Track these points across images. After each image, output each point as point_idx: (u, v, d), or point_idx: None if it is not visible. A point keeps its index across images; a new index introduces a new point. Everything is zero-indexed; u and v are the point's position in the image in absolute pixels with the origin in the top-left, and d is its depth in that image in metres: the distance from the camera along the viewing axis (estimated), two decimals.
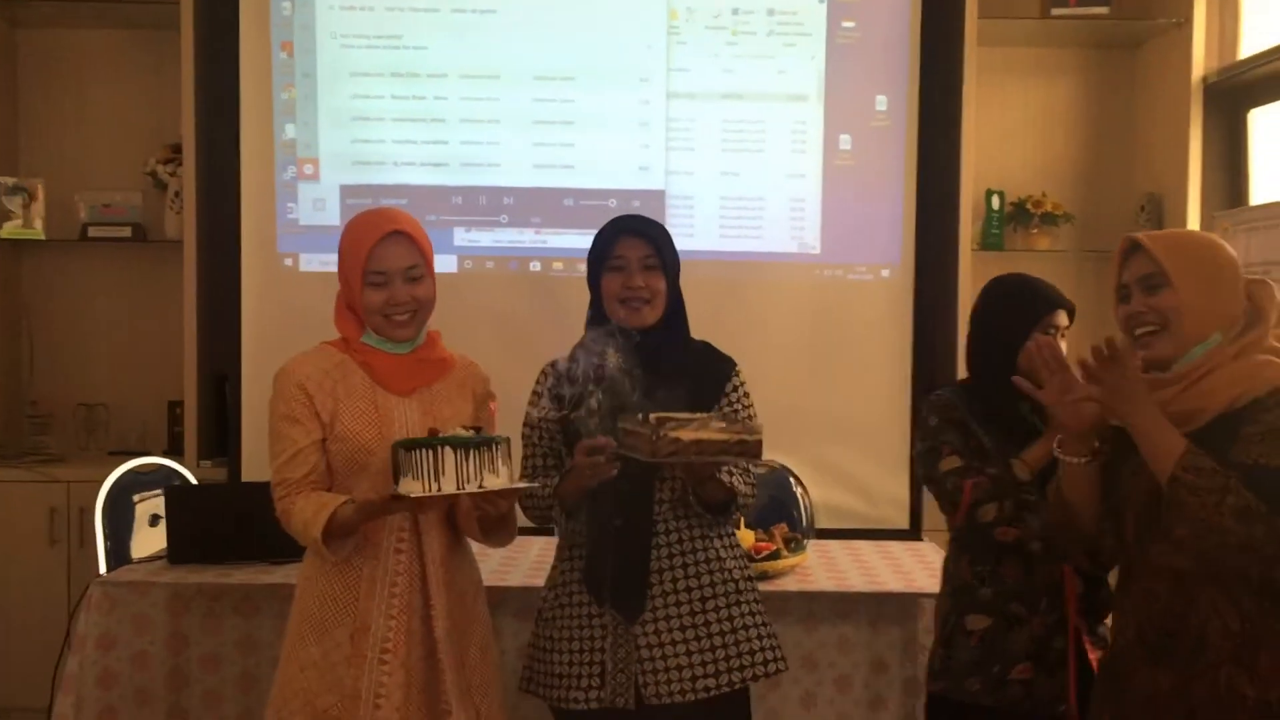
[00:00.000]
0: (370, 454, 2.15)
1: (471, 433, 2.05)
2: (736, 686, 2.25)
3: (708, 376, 2.32)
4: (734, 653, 2.24)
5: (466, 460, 1.99)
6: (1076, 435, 1.98)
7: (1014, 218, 4.25)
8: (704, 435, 2.04)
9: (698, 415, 2.10)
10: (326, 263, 3.87)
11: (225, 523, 2.94)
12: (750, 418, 2.33)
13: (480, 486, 2.00)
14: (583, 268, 3.94)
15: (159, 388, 4.11)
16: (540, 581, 2.44)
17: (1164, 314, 1.92)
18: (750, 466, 2.28)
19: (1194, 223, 3.85)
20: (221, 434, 3.95)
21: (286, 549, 2.88)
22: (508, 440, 2.06)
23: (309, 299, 3.86)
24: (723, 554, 2.29)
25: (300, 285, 3.87)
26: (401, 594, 2.16)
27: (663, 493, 2.25)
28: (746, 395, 2.36)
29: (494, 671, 2.28)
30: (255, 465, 3.81)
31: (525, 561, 2.98)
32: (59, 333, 4.19)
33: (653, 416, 2.06)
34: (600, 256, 2.31)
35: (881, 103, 3.91)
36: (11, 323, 4.25)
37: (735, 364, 2.38)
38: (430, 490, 1.97)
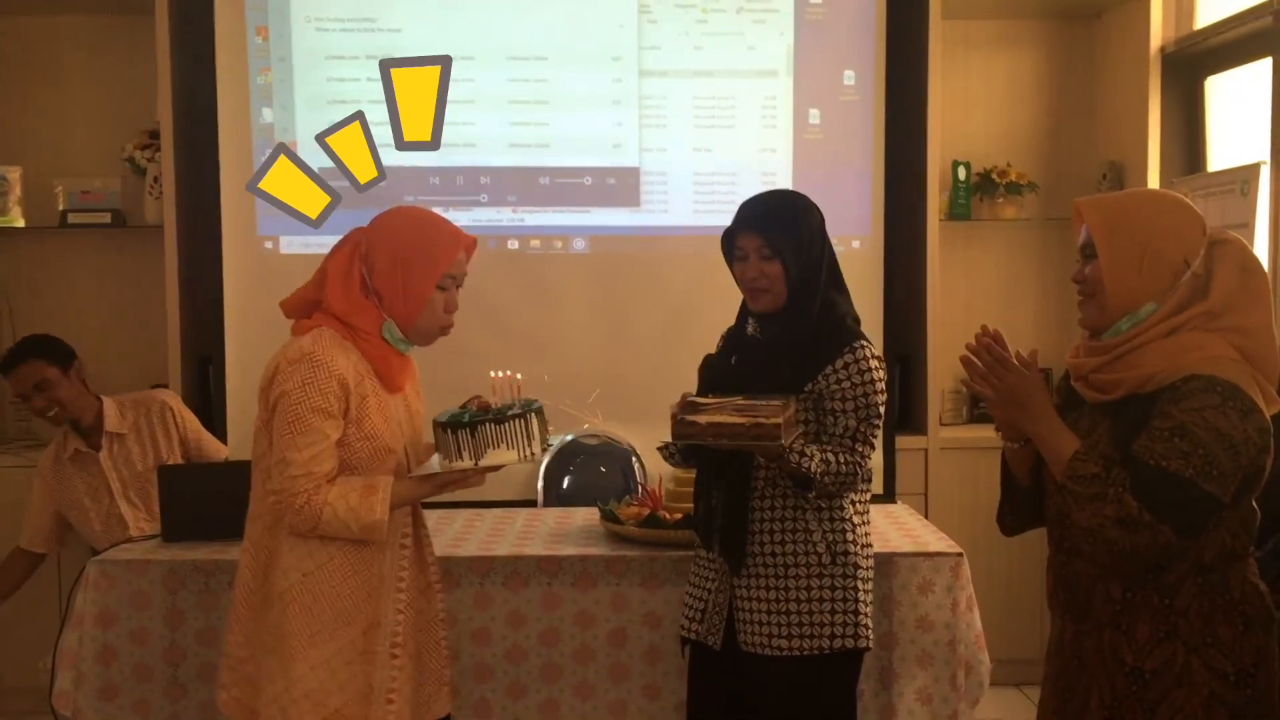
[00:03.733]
0: (390, 452, 2.18)
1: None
2: (806, 653, 2.33)
3: (812, 358, 2.34)
4: (807, 621, 2.34)
5: (544, 425, 2.13)
6: (1006, 424, 2.01)
7: (980, 188, 4.34)
8: (721, 419, 2.13)
9: (729, 399, 2.19)
10: (308, 244, 3.93)
11: (218, 501, 2.99)
12: (857, 398, 2.31)
13: (548, 446, 2.16)
14: (559, 244, 4.02)
15: (143, 372, 4.14)
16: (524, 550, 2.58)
17: (1092, 283, 1.91)
18: (847, 456, 2.31)
19: (1153, 188, 3.96)
20: (207, 415, 4.00)
21: None
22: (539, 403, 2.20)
23: (290, 281, 3.84)
24: (812, 526, 2.36)
25: (281, 267, 3.93)
26: (407, 588, 2.23)
27: (759, 459, 2.34)
28: (861, 374, 2.32)
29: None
30: (241, 446, 3.86)
31: (541, 533, 3.04)
32: (41, 320, 4.22)
33: (687, 400, 2.19)
34: (727, 247, 2.41)
35: (849, 77, 3.99)
36: None
37: (844, 344, 2.34)
38: (525, 456, 2.10)
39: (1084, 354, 1.96)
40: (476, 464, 2.11)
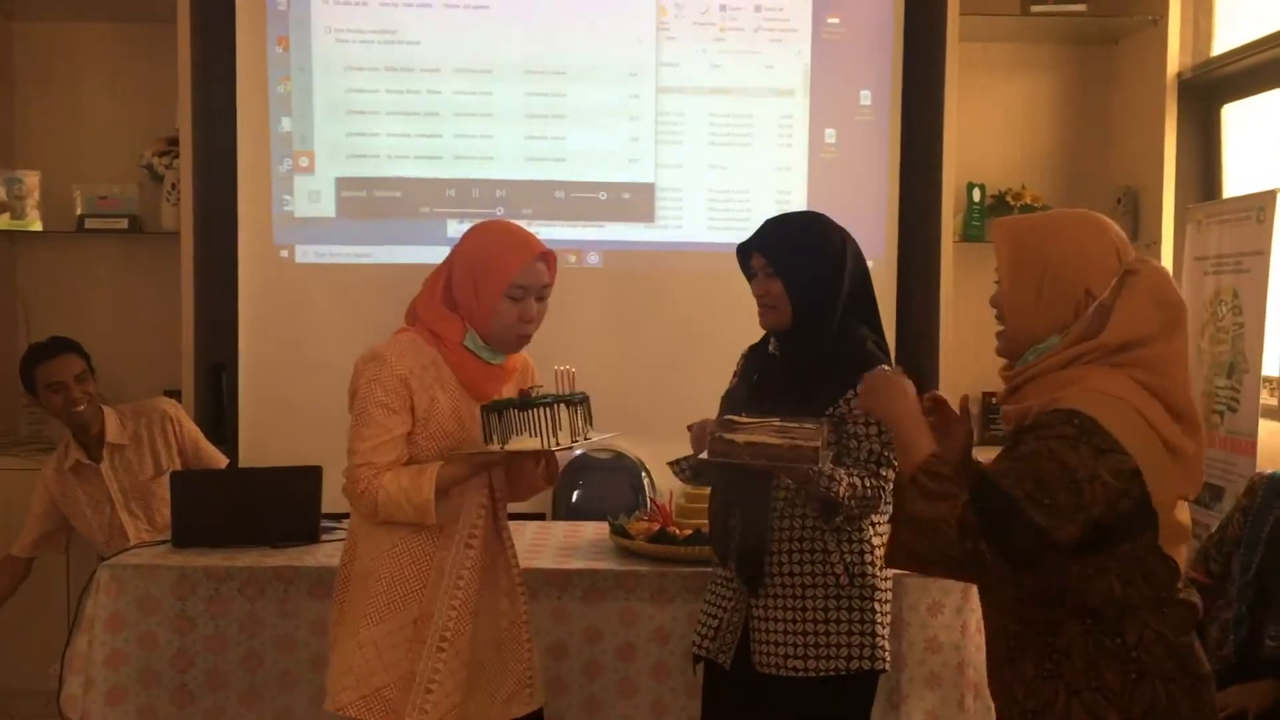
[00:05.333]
0: (457, 451, 2.25)
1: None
2: (821, 674, 2.32)
3: (835, 380, 2.33)
4: (824, 642, 2.33)
5: (576, 416, 2.14)
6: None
7: (994, 209, 4.34)
8: (758, 439, 2.14)
9: (765, 420, 2.18)
10: (322, 254, 3.96)
11: (228, 507, 3.01)
12: (880, 421, 2.25)
13: (586, 438, 2.17)
14: (573, 259, 4.04)
15: (157, 377, 4.14)
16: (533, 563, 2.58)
17: (1000, 309, 1.83)
18: (872, 480, 2.29)
19: (1169, 214, 3.97)
20: (219, 422, 4.02)
21: (289, 533, 3.00)
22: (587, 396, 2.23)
23: (305, 290, 3.95)
24: (831, 548, 2.34)
25: (296, 276, 3.95)
26: (466, 586, 2.27)
27: (779, 480, 2.34)
28: None
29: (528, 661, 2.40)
30: (253, 453, 3.89)
31: (520, 545, 3.05)
32: (56, 324, 4.22)
33: (728, 418, 2.19)
34: (743, 265, 2.45)
35: (865, 97, 4.00)
36: (9, 314, 4.31)
37: (867, 369, 2.26)
38: (548, 444, 2.11)
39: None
40: (503, 448, 2.14)
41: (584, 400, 2.19)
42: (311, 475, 3.05)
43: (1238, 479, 3.24)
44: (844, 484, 2.24)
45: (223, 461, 3.65)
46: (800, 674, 2.32)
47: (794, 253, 2.36)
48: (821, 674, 2.32)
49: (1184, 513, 1.79)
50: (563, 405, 2.14)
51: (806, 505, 2.33)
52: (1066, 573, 1.73)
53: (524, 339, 2.31)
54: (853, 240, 2.43)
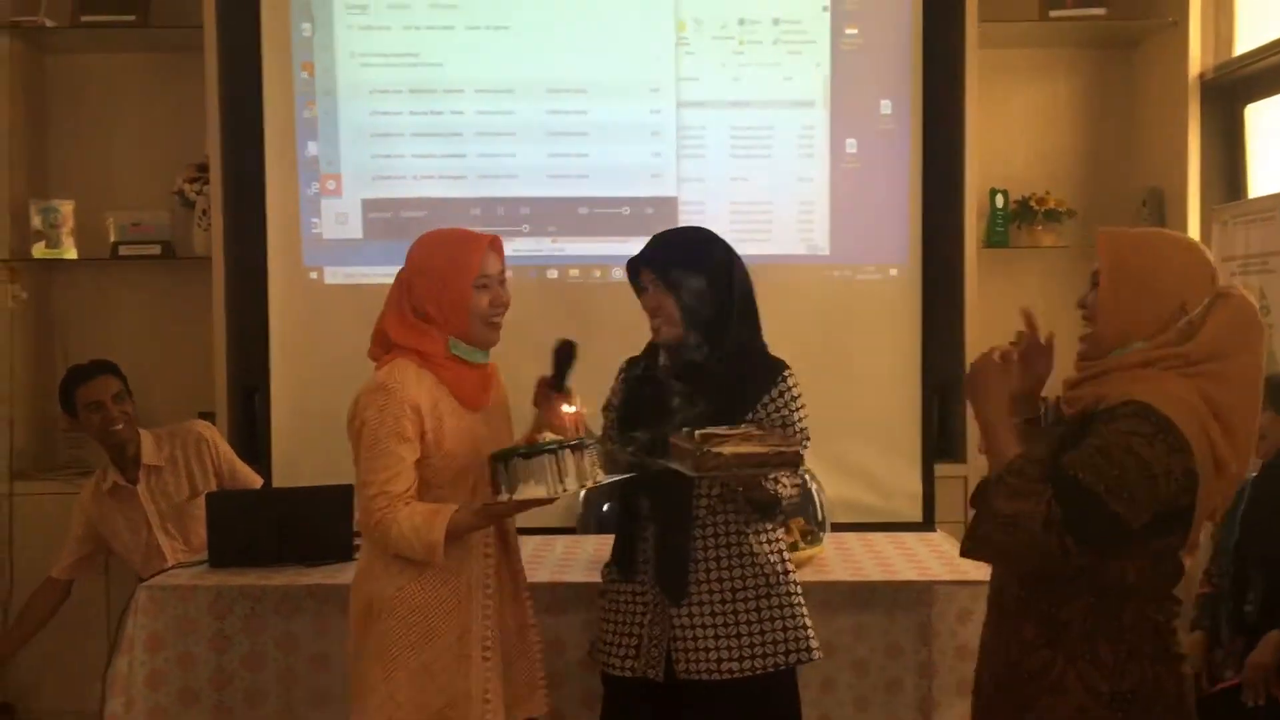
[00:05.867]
0: (469, 471, 2.29)
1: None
2: (758, 672, 2.38)
3: (742, 387, 2.41)
4: (759, 641, 2.39)
5: (583, 460, 2.14)
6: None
7: (1018, 215, 4.34)
8: (745, 449, 2.17)
9: (739, 430, 2.23)
10: (351, 275, 4.00)
11: (264, 527, 3.05)
12: (793, 424, 2.41)
13: (595, 483, 2.17)
14: (599, 274, 4.06)
15: (190, 400, 4.20)
16: (565, 578, 2.63)
17: (1092, 309, 1.96)
18: (797, 479, 2.39)
19: (1194, 216, 3.95)
20: (252, 443, 4.07)
21: (323, 552, 3.04)
22: (595, 438, 2.24)
23: (334, 311, 3.99)
24: (756, 549, 2.42)
25: (325, 298, 4.00)
26: (494, 595, 2.32)
27: (701, 488, 2.38)
28: (793, 400, 2.43)
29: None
30: (286, 473, 3.93)
31: (550, 560, 3.09)
32: (92, 350, 4.29)
33: (698, 433, 2.20)
34: (632, 279, 2.49)
35: (886, 106, 4.01)
36: (45, 341, 4.38)
37: (778, 373, 2.44)
38: (555, 491, 2.12)
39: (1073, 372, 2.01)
40: (511, 498, 2.16)
41: (591, 444, 2.18)
42: (343, 494, 3.08)
43: None
44: (786, 484, 2.34)
45: (257, 482, 3.70)
46: (737, 675, 2.36)
47: (684, 267, 2.40)
48: (759, 672, 2.37)
49: (1204, 530, 1.91)
50: (568, 451, 2.13)
51: (736, 509, 2.38)
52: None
53: (497, 327, 2.35)
54: (738, 256, 2.48)
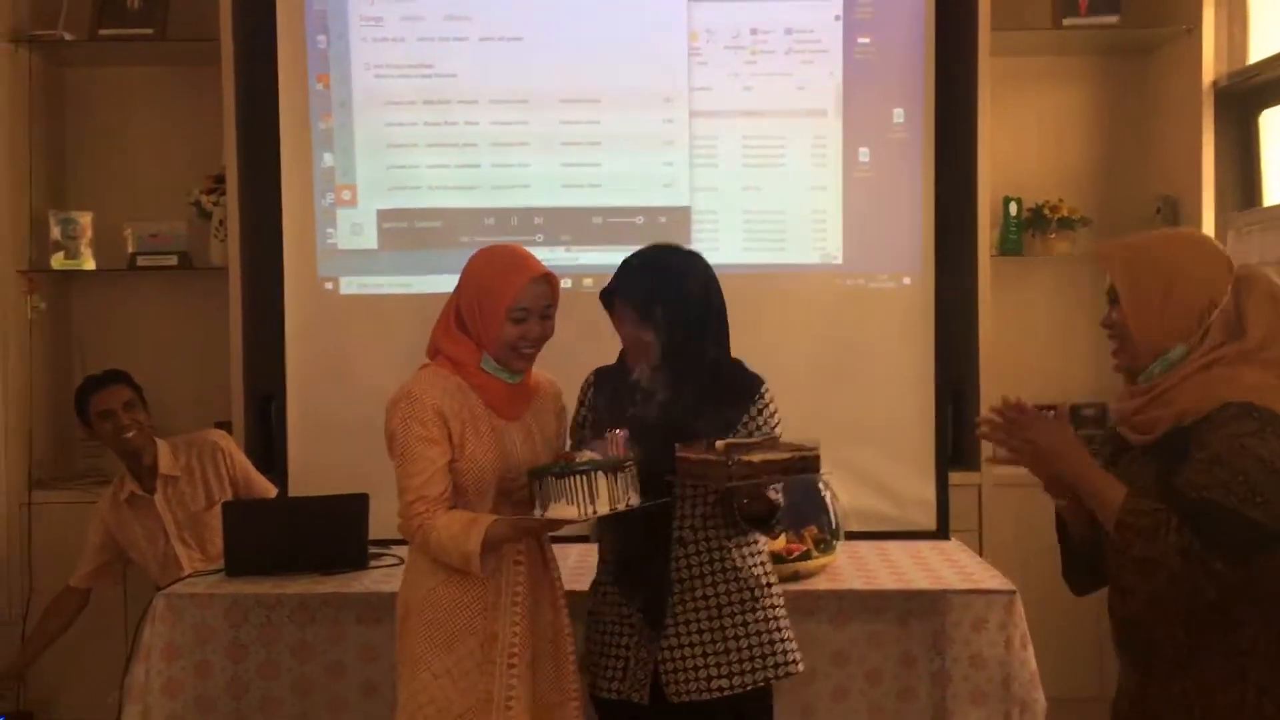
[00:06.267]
0: (492, 476, 2.31)
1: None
2: (749, 688, 2.38)
3: (722, 404, 2.40)
4: (747, 655, 2.39)
5: (615, 483, 2.14)
6: (1049, 479, 2.02)
7: (1031, 223, 4.34)
8: (771, 456, 2.22)
9: (755, 439, 2.27)
10: (365, 285, 4.03)
11: (280, 536, 3.07)
12: (775, 437, 2.41)
13: (629, 505, 2.16)
14: None
15: (207, 409, 4.23)
16: (578, 585, 2.60)
17: (1119, 327, 1.94)
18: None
19: (1209, 223, 3.94)
20: (268, 452, 4.09)
21: (338, 560, 3.06)
22: (633, 459, 2.20)
23: (349, 321, 4.02)
24: (739, 563, 2.42)
25: (341, 308, 4.02)
26: (522, 603, 2.34)
27: (684, 509, 2.39)
28: (773, 415, 2.45)
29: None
30: (302, 482, 3.95)
31: (564, 569, 3.08)
32: (110, 360, 4.31)
33: (720, 443, 2.21)
34: (605, 302, 2.46)
35: (899, 115, 4.01)
36: (63, 351, 4.42)
37: (759, 388, 2.45)
38: (585, 513, 2.12)
39: (1125, 398, 1.97)
40: (542, 514, 2.17)
41: (626, 466, 2.17)
42: (359, 502, 3.10)
43: None
44: (780, 495, 2.36)
45: (273, 491, 3.72)
46: (727, 693, 2.35)
47: (663, 300, 2.36)
48: (748, 688, 2.37)
49: None
50: (600, 474, 2.13)
51: (719, 524, 2.37)
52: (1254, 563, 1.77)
53: (527, 358, 2.36)
54: (711, 270, 2.45)
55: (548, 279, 2.37)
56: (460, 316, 2.36)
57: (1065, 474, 1.93)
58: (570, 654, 2.45)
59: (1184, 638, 1.86)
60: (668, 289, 2.38)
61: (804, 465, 2.25)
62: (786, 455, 2.23)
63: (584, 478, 2.12)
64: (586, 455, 2.20)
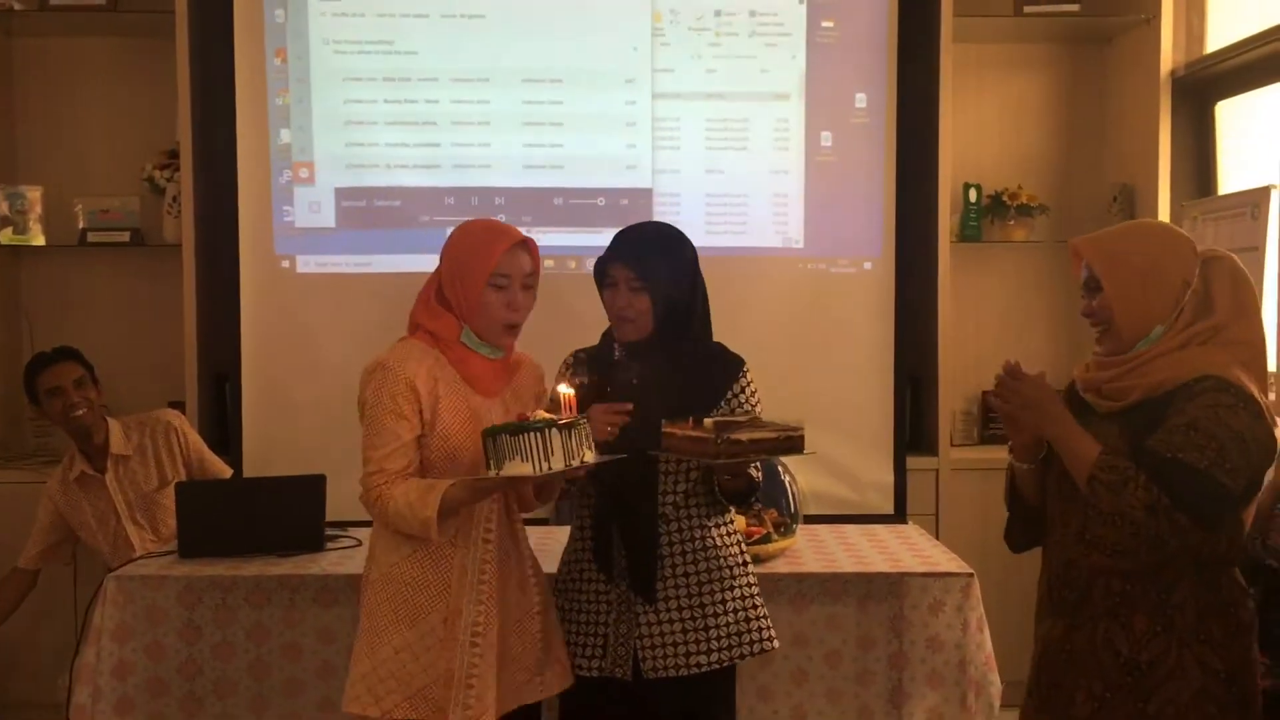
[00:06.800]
0: (464, 451, 2.29)
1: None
2: (726, 664, 2.42)
3: (706, 382, 2.44)
4: (726, 633, 2.41)
5: (570, 439, 2.14)
6: (1022, 445, 2.14)
7: (991, 210, 4.36)
8: (758, 435, 2.24)
9: (742, 417, 2.30)
10: (323, 264, 3.98)
11: (234, 517, 3.03)
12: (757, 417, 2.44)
13: (582, 462, 2.16)
14: (573, 265, 4.05)
15: (160, 389, 4.17)
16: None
17: (1104, 314, 2.04)
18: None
19: (1164, 212, 3.98)
20: (223, 432, 4.04)
21: (294, 542, 3.02)
22: (587, 419, 2.22)
23: (306, 300, 3.97)
24: (718, 542, 2.45)
25: (298, 286, 3.97)
26: (489, 580, 2.32)
27: (666, 485, 2.41)
28: (753, 394, 2.48)
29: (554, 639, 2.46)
30: (256, 463, 3.91)
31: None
32: (60, 337, 4.24)
33: (707, 421, 2.24)
34: (599, 273, 2.46)
35: (861, 100, 4.02)
36: (14, 329, 4.33)
37: (741, 367, 2.49)
38: (540, 470, 2.12)
39: (1095, 369, 2.08)
40: (497, 473, 2.16)
41: (580, 423, 2.18)
42: (315, 484, 3.07)
43: None
44: (757, 471, 2.39)
45: (227, 472, 3.67)
46: (704, 668, 2.38)
47: (659, 265, 2.40)
48: (724, 664, 2.40)
49: None
50: (555, 430, 2.13)
51: (700, 502, 2.41)
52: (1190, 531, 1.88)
53: (512, 329, 2.35)
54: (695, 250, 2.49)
55: (527, 245, 2.36)
56: (441, 290, 2.35)
57: (1046, 428, 2.02)
58: (538, 633, 2.42)
59: (1119, 587, 1.98)
60: (667, 255, 2.42)
61: (790, 445, 2.28)
62: (773, 435, 2.26)
63: (538, 435, 2.11)
64: (540, 414, 2.19)
